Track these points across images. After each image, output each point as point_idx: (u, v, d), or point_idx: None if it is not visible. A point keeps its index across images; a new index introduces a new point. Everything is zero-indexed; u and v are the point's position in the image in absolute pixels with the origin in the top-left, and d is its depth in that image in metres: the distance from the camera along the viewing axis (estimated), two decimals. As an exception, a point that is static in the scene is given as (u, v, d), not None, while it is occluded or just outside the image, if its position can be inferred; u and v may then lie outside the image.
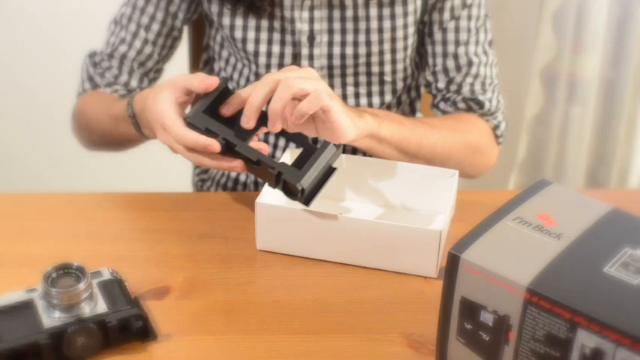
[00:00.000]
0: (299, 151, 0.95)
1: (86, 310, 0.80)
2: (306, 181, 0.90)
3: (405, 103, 1.28)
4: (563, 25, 2.00)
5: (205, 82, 0.92)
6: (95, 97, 1.21)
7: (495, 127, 1.22)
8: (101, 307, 0.81)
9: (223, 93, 0.94)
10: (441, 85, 1.21)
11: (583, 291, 0.65)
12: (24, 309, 0.81)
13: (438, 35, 1.19)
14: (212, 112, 0.93)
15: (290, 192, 0.91)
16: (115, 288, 0.85)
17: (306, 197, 0.91)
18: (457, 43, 1.19)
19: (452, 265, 0.70)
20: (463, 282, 0.70)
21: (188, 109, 0.95)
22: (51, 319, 0.79)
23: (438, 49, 1.20)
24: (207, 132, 0.91)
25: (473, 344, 0.71)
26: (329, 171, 0.93)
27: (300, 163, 0.91)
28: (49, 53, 2.10)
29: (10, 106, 2.18)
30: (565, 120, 2.11)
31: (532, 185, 0.78)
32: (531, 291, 0.65)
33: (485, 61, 1.21)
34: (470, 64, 1.19)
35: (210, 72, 1.32)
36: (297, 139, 0.96)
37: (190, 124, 0.92)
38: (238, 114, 0.93)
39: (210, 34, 1.25)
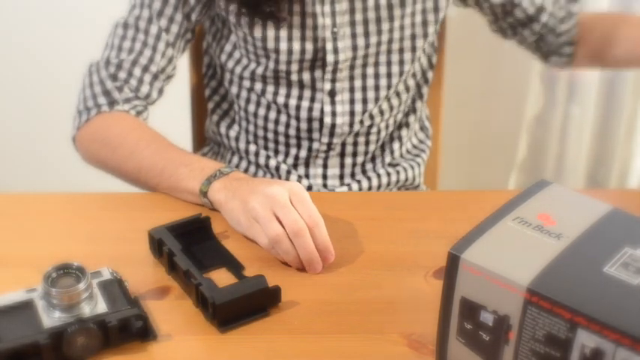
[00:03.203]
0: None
1: (86, 310, 0.80)
2: (221, 298, 0.83)
3: (412, 88, 1.28)
4: (563, 25, 2.00)
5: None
6: (133, 133, 1.12)
7: None
8: (101, 307, 0.81)
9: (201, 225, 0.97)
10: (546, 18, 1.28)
11: (583, 291, 0.65)
12: (24, 309, 0.81)
13: None
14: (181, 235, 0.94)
15: (206, 308, 0.85)
16: (115, 288, 0.85)
17: (220, 319, 0.84)
18: None
19: (452, 265, 0.70)
20: (463, 282, 0.70)
21: None
22: (51, 319, 0.79)
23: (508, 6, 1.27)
24: (160, 243, 0.92)
25: (473, 344, 0.71)
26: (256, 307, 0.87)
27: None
28: (49, 53, 2.10)
29: (10, 107, 2.18)
30: (565, 120, 2.11)
31: (532, 185, 0.78)
32: (531, 291, 0.65)
33: None
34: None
35: (213, 76, 1.32)
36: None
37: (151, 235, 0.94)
38: (208, 248, 0.96)
39: (223, 33, 1.24)
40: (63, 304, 0.79)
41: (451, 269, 0.70)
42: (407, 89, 1.26)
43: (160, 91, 1.20)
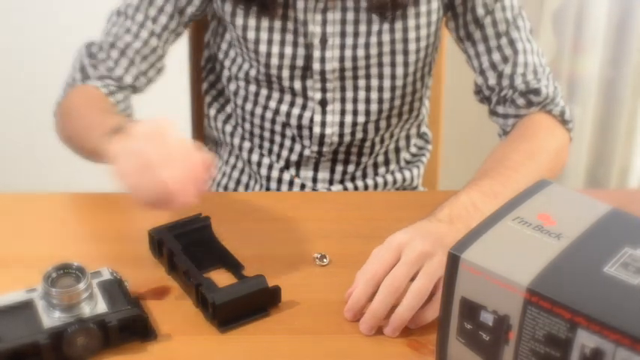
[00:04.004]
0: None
1: (86, 310, 0.80)
2: (221, 298, 0.84)
3: (416, 109, 1.27)
4: (563, 25, 2.00)
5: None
6: (85, 100, 1.14)
7: (561, 114, 1.15)
8: (101, 307, 0.81)
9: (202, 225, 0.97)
10: (492, 81, 1.17)
11: (583, 291, 0.65)
12: (24, 309, 0.81)
13: (477, 34, 1.16)
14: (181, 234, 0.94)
15: (206, 309, 0.85)
16: (115, 288, 0.85)
17: (220, 319, 0.84)
18: (498, 35, 1.15)
19: (452, 265, 0.70)
20: (463, 282, 0.70)
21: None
22: (51, 319, 0.79)
23: (480, 47, 1.17)
24: (160, 244, 0.93)
25: (473, 344, 0.71)
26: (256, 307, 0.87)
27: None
28: (49, 53, 2.10)
29: (10, 106, 2.18)
30: (565, 120, 2.11)
31: (532, 185, 0.78)
32: (531, 291, 0.65)
33: (530, 48, 1.16)
34: (515, 52, 1.15)
35: (212, 70, 1.32)
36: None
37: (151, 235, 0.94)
38: (206, 247, 0.96)
39: (218, 31, 1.24)
40: (63, 304, 0.79)
41: (451, 269, 0.70)
42: (410, 111, 1.25)
43: (136, 79, 1.18)
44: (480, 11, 1.16)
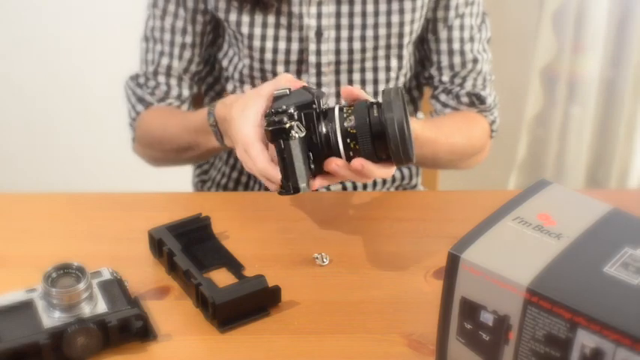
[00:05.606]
0: None
1: (86, 310, 0.80)
2: (221, 298, 0.84)
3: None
4: (563, 25, 2.00)
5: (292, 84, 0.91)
6: (160, 114, 1.20)
7: (492, 123, 1.26)
8: (101, 307, 0.82)
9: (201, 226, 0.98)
10: (446, 78, 1.23)
11: (583, 291, 0.65)
12: (24, 309, 0.81)
13: (443, 33, 1.21)
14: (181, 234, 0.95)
15: (206, 309, 0.85)
16: (115, 288, 0.85)
17: (220, 319, 0.84)
18: (462, 40, 1.21)
19: (452, 265, 0.70)
20: (463, 282, 0.70)
21: None
22: (51, 319, 0.79)
23: (444, 46, 1.22)
24: (160, 244, 0.93)
25: (473, 344, 0.71)
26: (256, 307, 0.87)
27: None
28: (49, 53, 2.10)
29: (10, 107, 2.18)
30: (565, 120, 2.11)
31: (532, 185, 0.78)
32: (531, 291, 0.65)
33: (486, 58, 1.24)
34: (475, 61, 1.22)
35: (211, 71, 1.31)
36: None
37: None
38: (206, 248, 0.97)
39: (209, 34, 1.24)
40: (63, 304, 0.79)
41: (451, 269, 0.70)
42: None
43: (191, 87, 1.23)
44: (451, 13, 1.20)
